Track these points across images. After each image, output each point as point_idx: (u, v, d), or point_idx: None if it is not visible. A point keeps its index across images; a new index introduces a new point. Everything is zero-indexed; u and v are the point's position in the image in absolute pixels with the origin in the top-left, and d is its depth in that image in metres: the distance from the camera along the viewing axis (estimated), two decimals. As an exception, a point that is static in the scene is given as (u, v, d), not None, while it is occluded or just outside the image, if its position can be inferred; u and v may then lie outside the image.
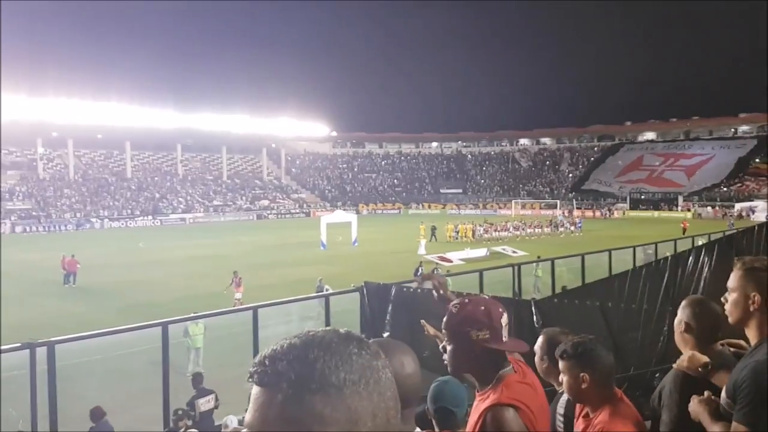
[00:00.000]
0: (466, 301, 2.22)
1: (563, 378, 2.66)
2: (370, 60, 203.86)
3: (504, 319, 2.14)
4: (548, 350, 2.97)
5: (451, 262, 29.36)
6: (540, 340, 3.13)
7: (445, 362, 2.23)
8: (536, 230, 48.17)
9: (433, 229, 43.79)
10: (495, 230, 45.64)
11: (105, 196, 70.98)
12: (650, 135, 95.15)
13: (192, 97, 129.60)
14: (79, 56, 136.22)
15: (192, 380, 9.93)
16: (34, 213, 62.64)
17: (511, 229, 46.55)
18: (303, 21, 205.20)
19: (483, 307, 2.15)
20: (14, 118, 65.05)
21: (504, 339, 2.13)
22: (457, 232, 44.60)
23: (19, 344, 5.78)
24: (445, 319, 2.20)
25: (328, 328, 0.84)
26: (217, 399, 9.64)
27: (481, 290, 10.88)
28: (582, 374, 2.56)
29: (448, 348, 2.19)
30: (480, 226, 45.82)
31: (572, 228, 51.05)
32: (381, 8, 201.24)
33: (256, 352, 7.62)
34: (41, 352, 5.72)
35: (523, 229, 47.04)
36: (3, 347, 6.07)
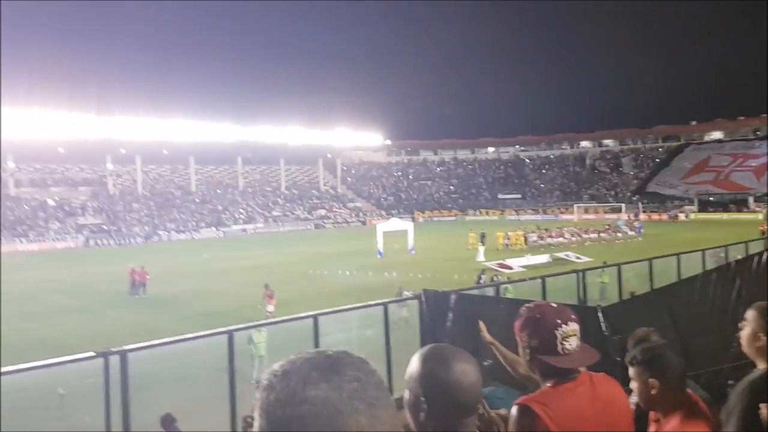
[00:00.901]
0: (532, 306, 2.18)
1: (633, 384, 2.61)
2: (422, 67, 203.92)
3: (564, 330, 2.07)
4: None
5: (512, 269, 28.96)
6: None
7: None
8: (593, 236, 46.38)
9: (483, 236, 42.53)
10: (550, 237, 44.14)
11: (171, 210, 73.39)
12: (717, 134, 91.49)
13: (250, 112, 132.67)
14: (144, 77, 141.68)
15: (257, 387, 10.11)
16: (104, 227, 65.30)
17: (567, 236, 44.96)
18: (355, 33, 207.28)
19: (539, 315, 2.10)
20: (84, 137, 68.29)
21: (563, 350, 2.07)
22: (509, 240, 43.15)
23: (93, 353, 6.01)
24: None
25: (335, 350, 0.88)
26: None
27: (544, 297, 10.67)
28: (651, 380, 2.53)
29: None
30: (533, 232, 44.53)
31: (632, 233, 49.33)
32: (432, 16, 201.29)
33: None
34: (114, 361, 5.93)
35: (579, 235, 45.53)
36: (79, 356, 6.32)
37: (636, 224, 52.67)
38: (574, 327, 2.10)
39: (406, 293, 16.69)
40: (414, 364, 1.65)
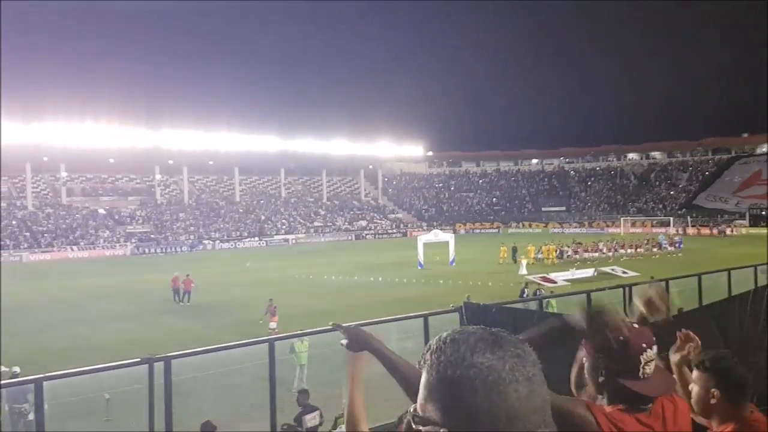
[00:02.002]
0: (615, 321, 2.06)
1: (693, 387, 2.55)
2: (465, 79, 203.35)
3: (648, 354, 1.99)
4: None
5: (555, 282, 28.47)
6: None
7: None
8: (629, 251, 44.48)
9: (515, 250, 41.98)
10: (585, 251, 42.70)
11: (216, 219, 74.79)
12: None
13: (293, 124, 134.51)
14: (191, 90, 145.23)
15: (298, 396, 10.16)
16: (152, 236, 66.91)
17: (604, 250, 43.28)
18: (398, 46, 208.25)
19: (624, 336, 1.99)
20: (134, 147, 70.35)
21: (643, 374, 1.98)
22: (541, 254, 41.85)
23: (138, 359, 6.13)
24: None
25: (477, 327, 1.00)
26: (321, 416, 9.80)
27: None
28: (714, 389, 2.48)
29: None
30: (568, 246, 43.34)
31: (671, 248, 47.46)
32: (475, 28, 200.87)
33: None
34: (159, 367, 6.03)
35: (615, 250, 43.76)
36: (125, 362, 6.46)
37: (676, 239, 50.82)
38: (655, 351, 2.03)
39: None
40: None
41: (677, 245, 48.04)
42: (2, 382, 10.07)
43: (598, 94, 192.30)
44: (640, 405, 2.00)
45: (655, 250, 46.49)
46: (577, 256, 41.89)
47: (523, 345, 0.98)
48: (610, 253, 43.12)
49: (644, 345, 2.00)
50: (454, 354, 0.94)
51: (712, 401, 2.51)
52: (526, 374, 0.92)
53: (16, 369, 12.77)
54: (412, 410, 1.01)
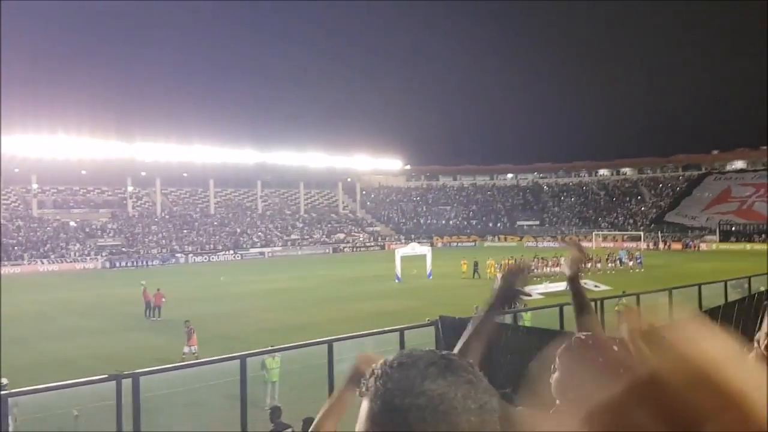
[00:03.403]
0: (584, 338, 2.02)
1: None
2: (442, 94, 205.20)
3: None
4: None
5: (530, 296, 28.55)
6: None
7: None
8: (588, 265, 44.15)
9: (476, 265, 42.06)
10: (546, 266, 41.82)
11: (190, 232, 73.96)
12: (739, 164, 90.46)
13: (270, 136, 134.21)
14: (165, 101, 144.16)
15: (270, 414, 10.02)
16: (123, 249, 65.93)
17: (563, 265, 42.75)
18: (376, 59, 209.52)
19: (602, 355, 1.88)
20: (106, 159, 69.46)
21: None
22: (500, 269, 40.60)
23: (106, 376, 6.00)
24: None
25: (427, 349, 0.91)
26: (294, 434, 9.67)
27: (562, 326, 10.50)
28: None
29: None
30: (531, 261, 43.03)
31: (631, 263, 47.19)
32: (451, 43, 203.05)
33: (330, 386, 7.61)
34: (126, 384, 5.91)
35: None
36: (92, 378, 6.32)
37: (636, 254, 50.21)
38: None
39: None
40: None
41: (637, 260, 47.68)
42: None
43: (571, 111, 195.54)
44: None
45: (611, 265, 45.91)
46: (538, 271, 40.93)
47: (474, 369, 0.90)
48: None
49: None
50: (402, 380, 0.85)
51: None
52: (479, 402, 0.85)
53: (4, 380, 12.60)
54: None
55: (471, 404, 0.84)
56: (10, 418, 10.56)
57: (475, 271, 41.76)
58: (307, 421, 10.00)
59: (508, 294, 2.29)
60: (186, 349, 18.27)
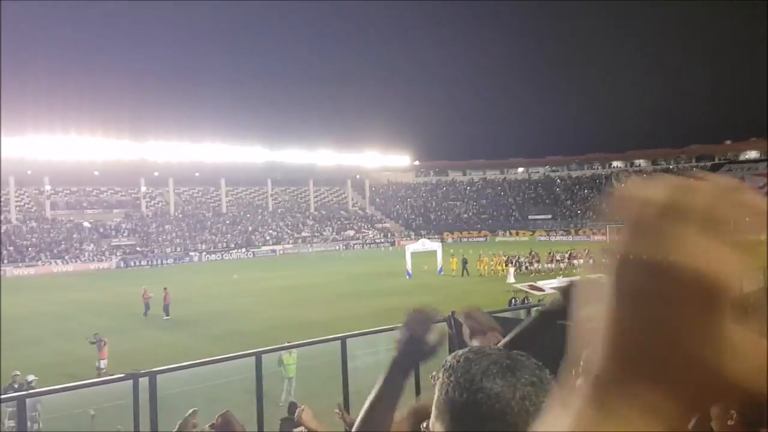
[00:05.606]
0: None
1: (713, 409, 2.48)
2: (450, 88, 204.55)
3: None
4: None
5: (543, 291, 28.50)
6: None
7: None
8: (581, 261, 41.39)
9: (464, 262, 40.93)
10: (537, 262, 41.18)
11: (202, 231, 74.35)
12: (753, 154, 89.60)
13: (280, 134, 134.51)
14: (177, 102, 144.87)
15: (288, 410, 10.06)
16: (138, 248, 66.36)
17: (566, 260, 41.19)
18: (383, 56, 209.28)
19: None
20: (118, 159, 69.94)
21: None
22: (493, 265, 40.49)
23: (123, 374, 6.06)
24: None
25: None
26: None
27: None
28: (733, 411, 2.40)
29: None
30: (525, 257, 41.96)
31: None
32: (461, 38, 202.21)
33: (345, 382, 7.64)
34: (143, 382, 5.96)
35: (567, 261, 41.30)
36: (109, 378, 6.40)
37: None
38: None
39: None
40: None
41: None
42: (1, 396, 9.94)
43: (583, 103, 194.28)
44: None
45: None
46: (533, 267, 40.80)
47: (542, 372, 0.91)
48: (563, 265, 41.21)
49: None
50: (464, 375, 0.89)
51: (730, 423, 2.43)
52: (538, 405, 0.86)
53: (31, 377, 12.81)
54: (424, 426, 0.97)
55: (529, 406, 0.85)
56: (35, 415, 10.75)
57: (464, 269, 40.66)
58: (292, 406, 10.05)
59: (413, 348, 1.74)
60: (98, 363, 16.99)
